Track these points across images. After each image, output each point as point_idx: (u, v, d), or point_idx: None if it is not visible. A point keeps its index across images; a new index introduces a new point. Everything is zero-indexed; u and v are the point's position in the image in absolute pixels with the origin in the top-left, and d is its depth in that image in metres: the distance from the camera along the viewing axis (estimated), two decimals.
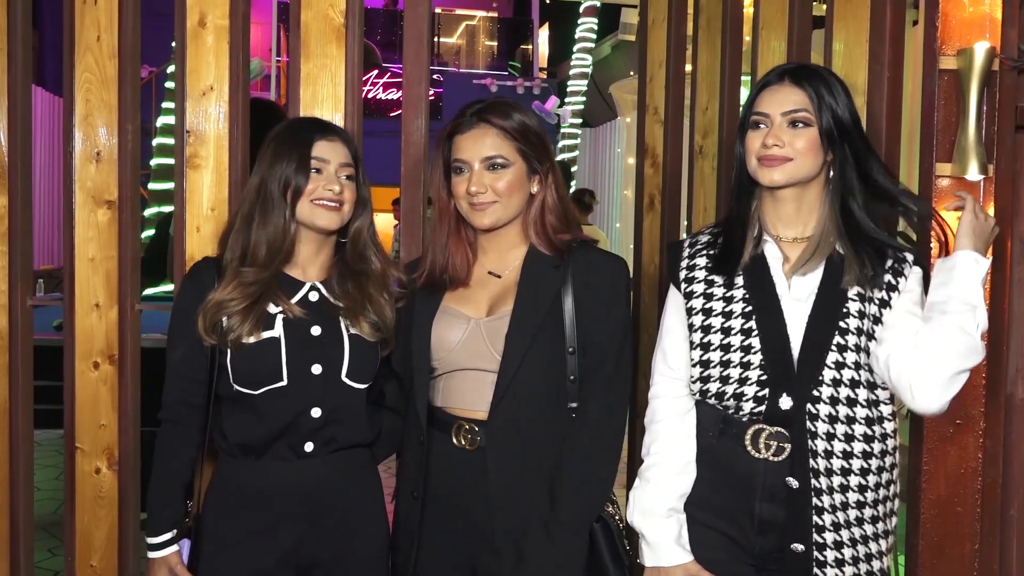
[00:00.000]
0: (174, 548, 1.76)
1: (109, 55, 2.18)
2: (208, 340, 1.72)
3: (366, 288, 1.80)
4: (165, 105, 7.27)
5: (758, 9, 2.42)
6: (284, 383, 1.72)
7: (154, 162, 7.23)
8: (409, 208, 2.27)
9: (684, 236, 2.88)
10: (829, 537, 1.63)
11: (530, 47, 15.87)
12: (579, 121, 10.70)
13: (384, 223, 10.58)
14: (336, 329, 1.77)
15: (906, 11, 2.24)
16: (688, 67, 2.80)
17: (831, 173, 1.68)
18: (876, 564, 1.66)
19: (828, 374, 1.62)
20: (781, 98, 1.66)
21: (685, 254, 1.78)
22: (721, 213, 2.55)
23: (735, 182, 1.74)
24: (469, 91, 10.97)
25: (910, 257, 1.67)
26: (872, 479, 1.63)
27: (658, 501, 1.70)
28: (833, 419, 1.61)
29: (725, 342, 1.67)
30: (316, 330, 1.76)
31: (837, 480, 1.62)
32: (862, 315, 1.63)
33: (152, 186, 7.18)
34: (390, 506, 1.86)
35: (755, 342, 1.65)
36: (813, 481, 1.62)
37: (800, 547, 1.64)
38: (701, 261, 1.74)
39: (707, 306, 1.70)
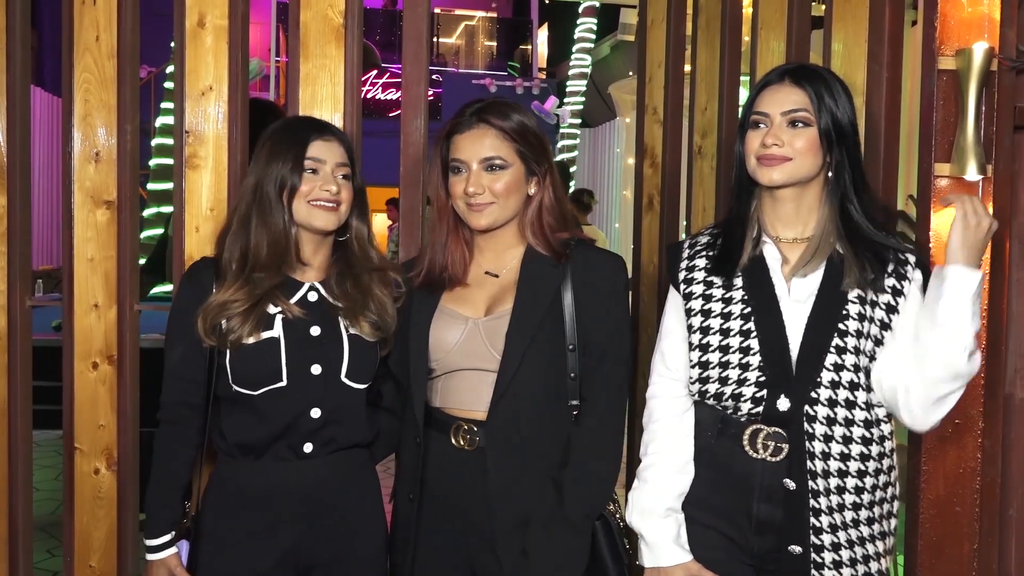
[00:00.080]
0: (173, 550, 1.76)
1: (108, 55, 2.18)
2: (207, 341, 1.72)
3: (366, 286, 1.79)
4: (164, 105, 7.28)
5: (757, 9, 2.42)
6: (283, 383, 1.72)
7: (153, 162, 7.24)
8: (408, 208, 2.27)
9: (683, 236, 2.88)
10: (827, 539, 1.63)
11: (529, 47, 15.88)
12: (578, 121, 10.71)
13: (378, 224, 10.58)
14: (335, 329, 1.77)
15: (905, 11, 2.24)
16: (687, 67, 2.81)
17: (829, 174, 1.67)
18: (874, 566, 1.66)
19: (826, 376, 1.62)
20: (781, 98, 1.66)
21: (684, 255, 1.78)
22: (720, 213, 2.56)
23: (735, 182, 1.74)
24: (468, 91, 10.97)
25: (912, 259, 1.67)
26: (869, 481, 1.63)
27: (656, 501, 1.70)
28: (831, 421, 1.61)
29: (724, 343, 1.67)
30: (315, 330, 1.75)
31: (834, 482, 1.62)
32: (862, 318, 1.63)
33: (151, 186, 7.18)
34: (388, 506, 1.86)
35: (754, 343, 1.65)
36: (810, 483, 1.62)
37: (798, 549, 1.64)
38: (700, 262, 1.74)
39: (706, 307, 1.70)
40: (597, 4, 10.18)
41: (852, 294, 1.63)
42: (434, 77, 12.31)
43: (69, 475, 2.22)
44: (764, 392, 1.64)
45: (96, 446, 2.21)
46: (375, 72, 13.27)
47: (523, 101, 10.56)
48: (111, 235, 2.21)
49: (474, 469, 1.71)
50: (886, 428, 1.66)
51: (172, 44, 2.21)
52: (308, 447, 1.74)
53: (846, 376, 1.61)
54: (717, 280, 1.71)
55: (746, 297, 1.68)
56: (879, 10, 2.20)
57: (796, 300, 1.66)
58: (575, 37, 10.40)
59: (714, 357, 1.68)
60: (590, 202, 6.96)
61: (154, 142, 7.24)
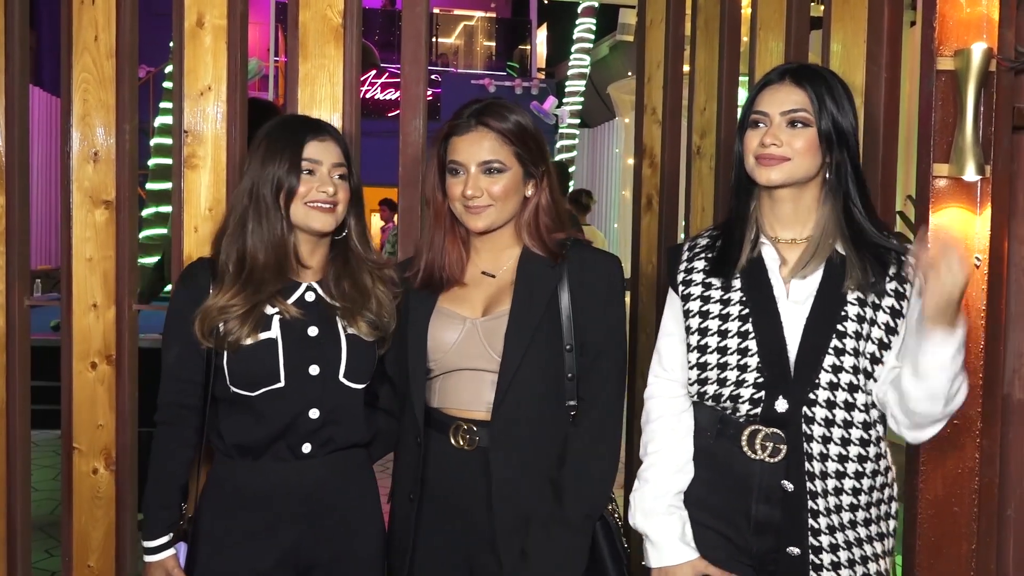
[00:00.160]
0: (171, 551, 1.76)
1: (107, 55, 2.18)
2: (205, 343, 1.71)
3: (364, 285, 1.79)
4: (163, 105, 7.28)
5: (756, 10, 2.42)
6: (281, 384, 1.72)
7: (152, 162, 7.24)
8: (407, 208, 2.27)
9: (682, 237, 2.88)
10: (825, 540, 1.63)
11: (528, 47, 15.88)
12: (577, 121, 10.71)
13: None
14: (333, 329, 1.77)
15: (904, 12, 2.24)
16: (686, 67, 2.80)
17: (828, 175, 1.67)
18: (873, 567, 1.65)
19: (824, 377, 1.62)
20: (781, 97, 1.65)
21: (684, 257, 1.77)
22: (719, 213, 2.56)
23: (734, 181, 1.74)
24: (467, 91, 10.97)
25: (912, 260, 1.66)
26: (867, 482, 1.63)
27: (658, 499, 1.70)
28: (829, 422, 1.61)
29: (722, 344, 1.67)
30: (313, 331, 1.75)
31: (832, 483, 1.62)
32: (860, 319, 1.62)
33: (150, 186, 7.18)
34: (385, 507, 1.86)
35: (752, 344, 1.65)
36: (808, 484, 1.62)
37: (796, 550, 1.64)
38: (699, 264, 1.74)
39: (704, 308, 1.70)
40: (596, 4, 10.18)
41: (851, 296, 1.63)
42: (433, 77, 12.32)
43: (67, 475, 2.22)
44: (762, 393, 1.64)
45: (95, 446, 2.21)
46: (374, 72, 13.27)
47: (522, 101, 10.58)
48: (110, 235, 2.21)
49: (474, 469, 1.71)
50: (884, 429, 1.66)
51: (171, 44, 2.21)
52: (307, 447, 1.74)
53: (844, 378, 1.61)
54: (715, 281, 1.71)
55: (744, 298, 1.68)
56: (878, 11, 2.20)
57: (795, 301, 1.66)
58: (574, 37, 10.40)
59: (712, 358, 1.68)
60: (589, 202, 6.95)
61: (153, 142, 7.25)
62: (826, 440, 1.61)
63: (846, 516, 1.63)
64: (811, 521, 1.62)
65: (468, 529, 1.73)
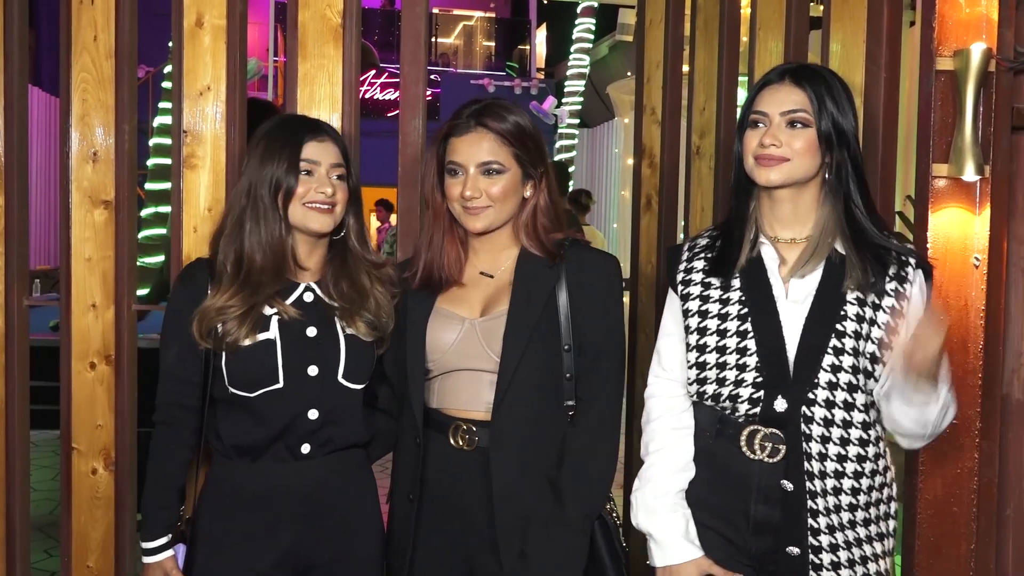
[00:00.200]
0: (169, 552, 1.75)
1: (106, 55, 2.18)
2: (203, 344, 1.71)
3: (362, 285, 1.78)
4: (162, 105, 7.28)
5: (755, 10, 2.42)
6: (280, 385, 1.72)
7: (151, 162, 7.23)
8: (406, 208, 2.27)
9: (681, 237, 2.88)
10: (824, 540, 1.63)
11: (528, 47, 15.89)
12: (576, 121, 10.72)
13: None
14: (332, 330, 1.76)
15: (903, 12, 2.24)
16: (685, 68, 2.80)
17: (828, 175, 1.67)
18: (873, 567, 1.65)
19: (823, 377, 1.61)
20: (781, 97, 1.65)
21: (683, 257, 1.77)
22: (719, 213, 2.56)
23: (734, 181, 1.74)
24: (466, 91, 10.97)
25: (912, 260, 1.66)
26: (865, 482, 1.63)
27: (660, 498, 1.70)
28: (828, 422, 1.61)
29: (721, 344, 1.67)
30: (312, 331, 1.75)
31: (831, 483, 1.62)
32: (860, 319, 1.62)
33: (149, 186, 7.18)
34: (384, 507, 1.86)
35: (751, 344, 1.65)
36: (808, 484, 1.62)
37: (796, 550, 1.63)
38: (699, 264, 1.74)
39: (703, 308, 1.70)
40: (595, 4, 10.18)
41: (851, 295, 1.63)
42: (432, 77, 12.31)
43: (67, 475, 2.22)
44: (761, 393, 1.63)
45: (94, 446, 2.21)
46: (373, 72, 13.27)
47: (521, 101, 10.58)
48: (109, 235, 2.21)
49: (474, 469, 1.71)
50: (883, 430, 1.66)
51: (170, 44, 2.21)
52: (306, 448, 1.74)
53: (843, 377, 1.61)
54: (715, 281, 1.71)
55: (743, 298, 1.68)
56: (877, 11, 2.20)
57: (794, 301, 1.66)
58: (573, 37, 10.40)
59: (711, 358, 1.68)
60: (588, 202, 6.95)
61: (152, 142, 7.24)
62: (825, 440, 1.61)
63: (845, 516, 1.63)
64: (810, 521, 1.62)
65: (468, 529, 1.73)
